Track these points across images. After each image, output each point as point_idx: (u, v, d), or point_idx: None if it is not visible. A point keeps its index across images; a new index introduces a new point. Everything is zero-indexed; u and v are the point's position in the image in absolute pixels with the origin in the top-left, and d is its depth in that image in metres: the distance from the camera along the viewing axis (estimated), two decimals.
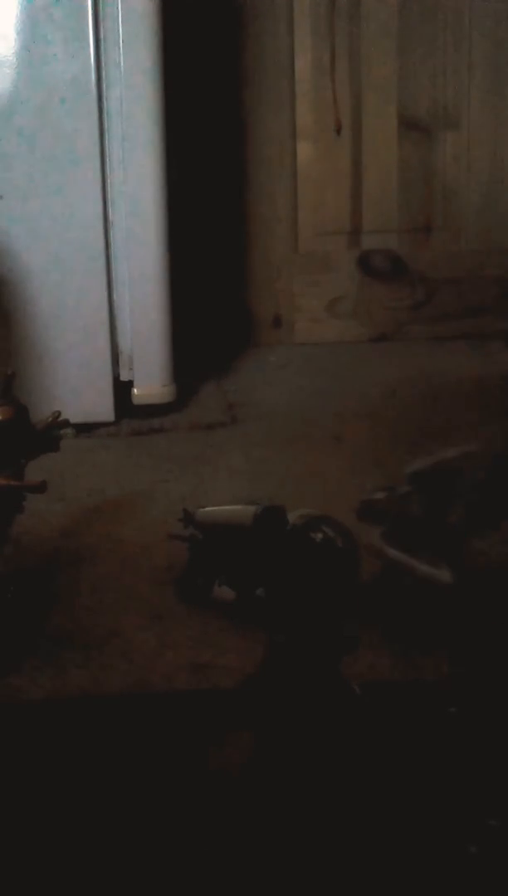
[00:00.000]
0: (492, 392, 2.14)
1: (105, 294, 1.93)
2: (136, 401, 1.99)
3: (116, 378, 1.98)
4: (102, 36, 1.84)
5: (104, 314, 1.94)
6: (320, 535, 1.20)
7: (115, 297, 1.95)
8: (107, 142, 1.89)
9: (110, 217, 1.91)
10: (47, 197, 1.88)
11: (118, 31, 1.84)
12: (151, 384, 1.99)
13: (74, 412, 1.76)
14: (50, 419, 1.34)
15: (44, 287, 1.91)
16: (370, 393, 2.16)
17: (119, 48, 1.85)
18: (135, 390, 1.99)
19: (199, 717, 1.09)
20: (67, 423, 1.36)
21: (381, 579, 1.25)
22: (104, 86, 1.86)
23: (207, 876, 0.88)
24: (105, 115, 1.88)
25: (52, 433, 1.34)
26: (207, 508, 1.32)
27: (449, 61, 2.46)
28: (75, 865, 0.90)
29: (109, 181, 1.90)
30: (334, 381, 2.27)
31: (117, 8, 1.84)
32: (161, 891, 0.87)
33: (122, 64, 1.85)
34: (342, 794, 0.97)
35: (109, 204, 1.91)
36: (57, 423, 1.35)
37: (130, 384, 1.99)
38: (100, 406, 1.96)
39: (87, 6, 1.82)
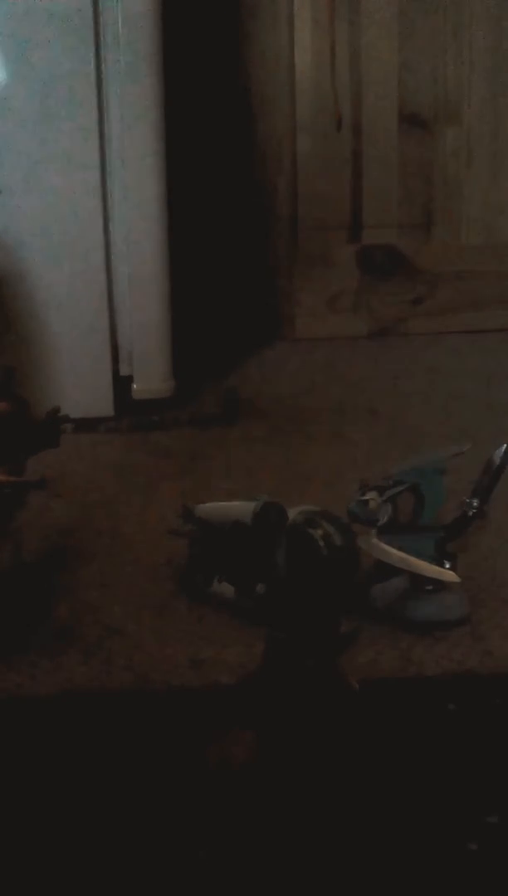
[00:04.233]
0: (492, 389, 2.14)
1: (105, 289, 1.93)
2: (135, 396, 1.99)
3: (115, 373, 1.97)
4: (101, 32, 1.84)
5: (104, 309, 1.94)
6: (319, 532, 1.20)
7: (115, 292, 1.95)
8: (106, 139, 1.88)
9: (110, 213, 1.91)
10: (47, 192, 1.88)
11: (118, 26, 1.84)
12: (150, 379, 1.99)
13: (74, 407, 1.76)
14: (50, 414, 1.34)
15: (43, 282, 1.91)
16: (370, 389, 2.16)
17: (119, 44, 1.84)
18: (135, 385, 1.99)
19: (199, 714, 1.09)
20: (66, 418, 1.36)
21: (376, 577, 1.25)
22: (104, 83, 1.86)
23: (208, 873, 0.88)
24: (105, 113, 1.87)
25: (51, 428, 1.34)
26: (206, 504, 1.32)
27: (450, 56, 2.46)
28: (75, 861, 0.90)
29: (108, 177, 1.90)
30: (334, 376, 2.27)
31: (117, 5, 1.83)
32: (162, 888, 0.87)
33: (122, 61, 1.85)
34: (342, 791, 0.97)
35: (109, 199, 1.91)
36: (57, 418, 1.35)
37: (129, 379, 1.99)
38: (100, 401, 1.96)
39: (87, 3, 1.82)
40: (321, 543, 1.19)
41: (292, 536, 1.21)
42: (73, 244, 1.90)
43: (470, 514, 1.21)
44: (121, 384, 1.98)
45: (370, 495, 1.22)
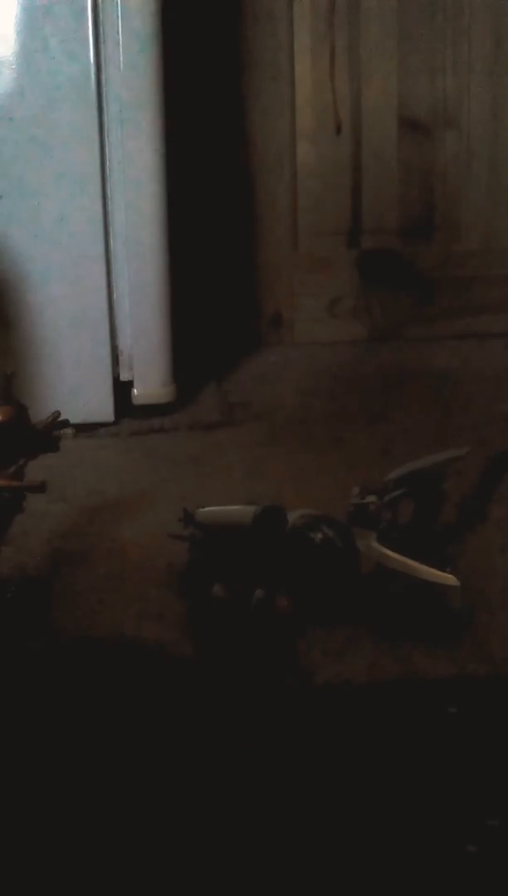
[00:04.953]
0: (492, 393, 2.14)
1: (105, 294, 1.93)
2: (136, 401, 1.99)
3: (115, 378, 1.98)
4: (101, 37, 1.84)
5: (104, 314, 1.94)
6: (319, 535, 1.20)
7: (115, 297, 1.95)
8: (107, 144, 1.88)
9: (110, 218, 1.91)
10: (47, 197, 1.88)
11: (117, 32, 1.84)
12: (151, 384, 1.99)
13: (74, 412, 1.76)
14: (50, 419, 1.35)
15: (44, 287, 1.91)
16: (370, 393, 2.16)
17: (119, 49, 1.85)
18: (135, 390, 1.99)
19: (199, 717, 1.09)
20: (66, 424, 1.37)
21: (376, 581, 1.25)
22: (104, 87, 1.86)
23: (206, 874, 0.88)
24: (105, 117, 1.88)
25: (52, 433, 1.34)
26: (207, 508, 1.32)
27: (449, 61, 2.46)
28: (75, 862, 0.90)
29: (108, 182, 1.90)
30: (334, 381, 2.27)
31: (117, 10, 1.84)
32: (159, 887, 0.87)
33: (121, 65, 1.85)
34: (342, 793, 0.97)
35: (109, 204, 1.91)
36: (57, 424, 1.35)
37: (130, 384, 1.99)
38: (100, 406, 1.96)
39: (86, 6, 1.82)
40: (322, 547, 1.19)
41: (292, 540, 1.21)
42: (73, 249, 1.91)
43: (470, 517, 1.22)
44: (121, 389, 1.98)
45: (370, 499, 1.22)
